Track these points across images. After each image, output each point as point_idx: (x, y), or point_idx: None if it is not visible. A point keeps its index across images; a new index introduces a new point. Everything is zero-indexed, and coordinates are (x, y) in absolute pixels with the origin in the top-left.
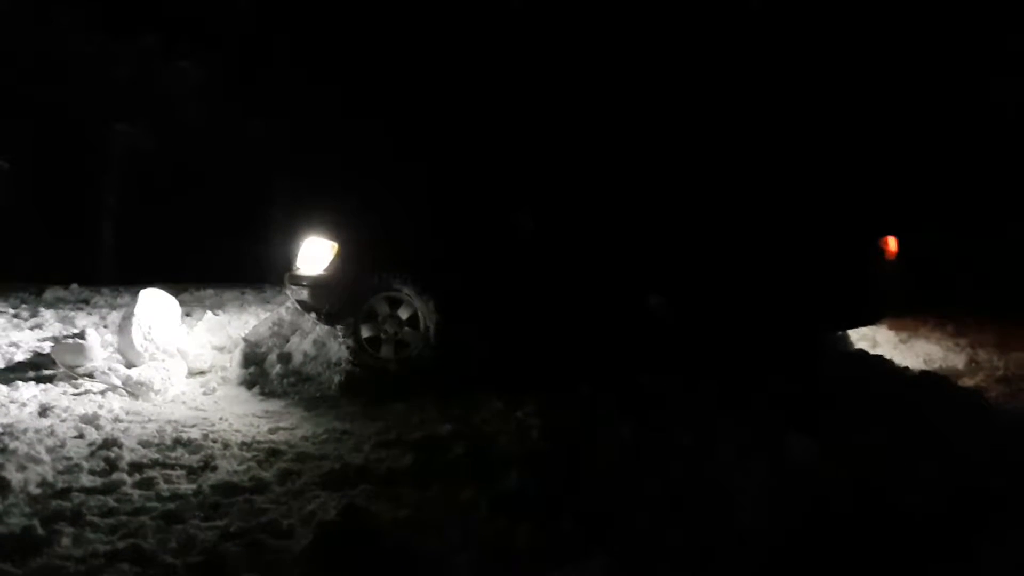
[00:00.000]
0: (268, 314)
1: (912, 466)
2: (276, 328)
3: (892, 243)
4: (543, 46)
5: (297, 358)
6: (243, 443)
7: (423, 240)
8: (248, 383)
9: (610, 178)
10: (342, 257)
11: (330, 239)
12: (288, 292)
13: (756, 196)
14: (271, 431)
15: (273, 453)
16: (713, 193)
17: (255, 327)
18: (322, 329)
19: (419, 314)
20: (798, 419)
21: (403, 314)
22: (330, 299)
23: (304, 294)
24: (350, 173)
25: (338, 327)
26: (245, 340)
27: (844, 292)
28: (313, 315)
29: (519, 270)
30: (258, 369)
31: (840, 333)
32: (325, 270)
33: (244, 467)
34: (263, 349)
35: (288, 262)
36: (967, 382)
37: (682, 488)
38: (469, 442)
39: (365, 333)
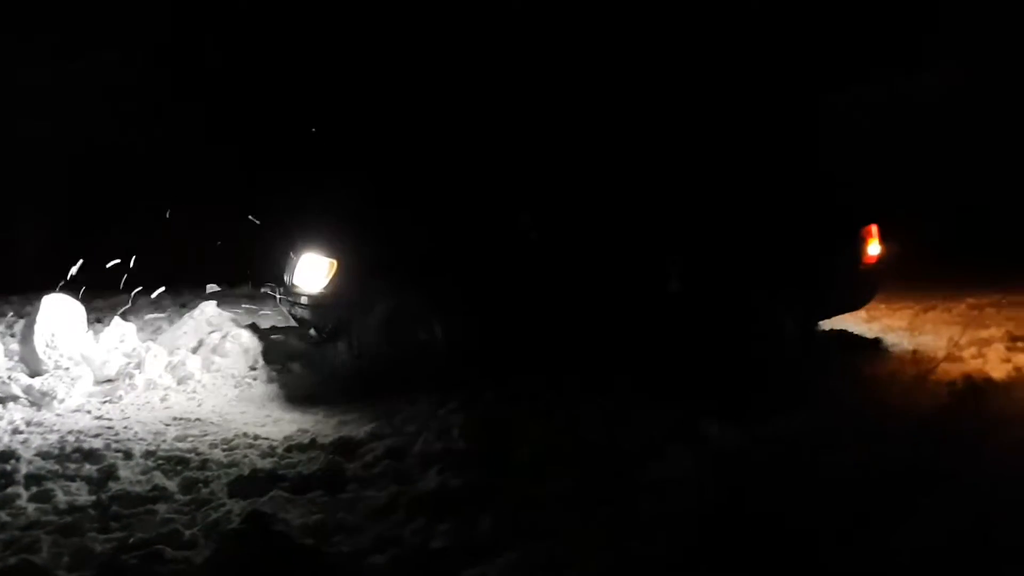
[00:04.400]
0: (182, 318)
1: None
2: (191, 330)
3: (874, 232)
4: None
5: (214, 361)
6: (147, 452)
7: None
8: (158, 390)
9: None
10: (341, 274)
11: (329, 256)
12: (283, 308)
13: (736, 184)
14: (178, 439)
15: (180, 462)
16: (690, 173)
17: (169, 331)
18: (244, 331)
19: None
20: (725, 406)
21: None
22: (330, 317)
23: (305, 312)
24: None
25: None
26: (157, 345)
27: (825, 281)
28: (312, 331)
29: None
30: (169, 375)
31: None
32: (325, 288)
33: (146, 477)
34: (176, 356)
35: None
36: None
37: (597, 481)
38: (389, 442)
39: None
